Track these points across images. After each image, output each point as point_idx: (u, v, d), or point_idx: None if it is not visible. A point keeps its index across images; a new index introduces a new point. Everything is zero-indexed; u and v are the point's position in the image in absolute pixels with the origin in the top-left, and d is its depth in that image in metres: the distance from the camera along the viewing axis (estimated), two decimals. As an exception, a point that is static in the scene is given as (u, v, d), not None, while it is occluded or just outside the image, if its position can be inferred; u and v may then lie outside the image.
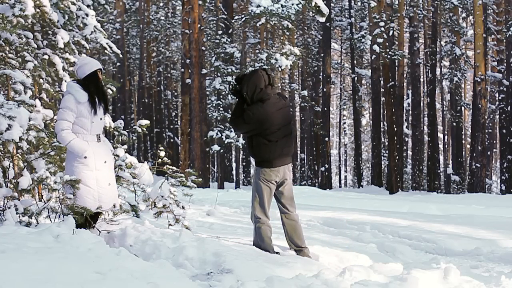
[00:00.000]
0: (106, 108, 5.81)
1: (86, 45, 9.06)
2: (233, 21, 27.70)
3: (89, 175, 5.55)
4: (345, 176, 49.22)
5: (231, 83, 5.63)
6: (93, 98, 5.59)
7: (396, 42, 28.03)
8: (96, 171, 5.60)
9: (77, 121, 5.51)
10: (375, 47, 27.06)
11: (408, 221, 9.49)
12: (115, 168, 6.85)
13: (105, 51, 9.29)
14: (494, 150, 33.53)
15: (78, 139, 5.49)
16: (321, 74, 31.96)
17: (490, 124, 27.96)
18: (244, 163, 35.08)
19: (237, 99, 5.47)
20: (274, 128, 5.30)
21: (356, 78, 34.50)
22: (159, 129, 36.26)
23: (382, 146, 30.60)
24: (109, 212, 6.61)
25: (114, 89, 8.93)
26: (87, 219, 5.61)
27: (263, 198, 5.42)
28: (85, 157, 5.51)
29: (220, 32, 28.02)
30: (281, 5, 21.84)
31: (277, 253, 5.53)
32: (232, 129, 5.64)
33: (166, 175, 7.54)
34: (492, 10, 29.16)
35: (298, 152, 41.34)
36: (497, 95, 28.37)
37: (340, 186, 43.01)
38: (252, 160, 34.16)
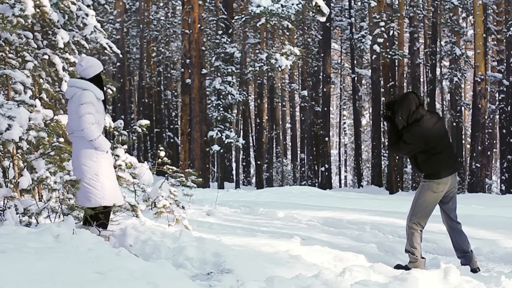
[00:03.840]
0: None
1: (86, 45, 9.07)
2: (233, 21, 27.70)
3: (109, 168, 5.71)
4: (345, 176, 49.19)
5: (383, 110, 5.89)
6: (105, 96, 5.79)
7: (396, 42, 28.02)
8: (112, 166, 5.81)
9: (95, 117, 5.61)
10: (375, 47, 27.05)
11: (408, 221, 9.46)
12: (115, 168, 6.88)
13: (105, 51, 9.31)
14: (494, 150, 33.51)
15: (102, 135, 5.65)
16: (321, 74, 31.93)
17: (490, 124, 27.93)
18: (244, 163, 35.08)
19: (388, 125, 5.84)
20: (435, 142, 5.61)
21: (356, 78, 34.48)
22: (159, 129, 36.25)
23: (382, 146, 30.57)
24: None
25: (114, 89, 8.94)
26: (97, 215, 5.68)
27: (426, 208, 5.69)
28: (107, 152, 5.67)
29: (220, 32, 28.01)
30: (281, 5, 21.82)
31: (423, 258, 5.83)
32: (394, 152, 6.17)
33: (166, 175, 7.55)
34: (492, 10, 29.14)
35: (298, 152, 41.32)
36: (497, 95, 28.36)
37: (340, 186, 42.98)
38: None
